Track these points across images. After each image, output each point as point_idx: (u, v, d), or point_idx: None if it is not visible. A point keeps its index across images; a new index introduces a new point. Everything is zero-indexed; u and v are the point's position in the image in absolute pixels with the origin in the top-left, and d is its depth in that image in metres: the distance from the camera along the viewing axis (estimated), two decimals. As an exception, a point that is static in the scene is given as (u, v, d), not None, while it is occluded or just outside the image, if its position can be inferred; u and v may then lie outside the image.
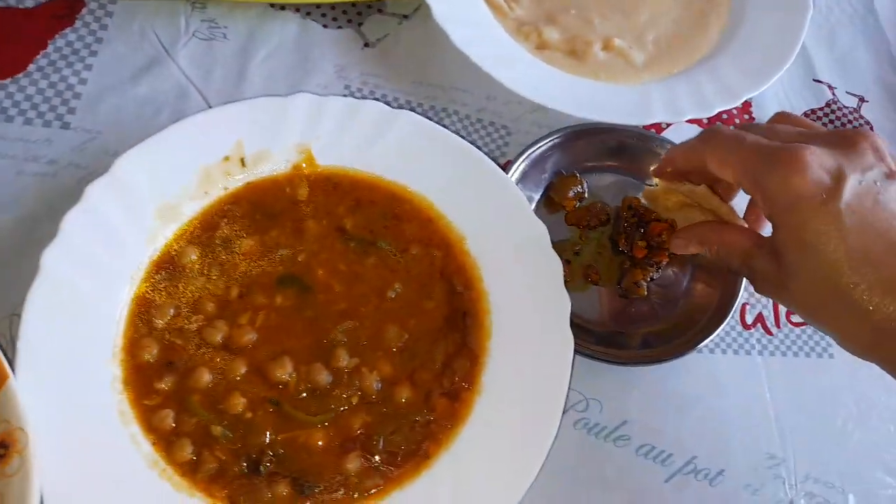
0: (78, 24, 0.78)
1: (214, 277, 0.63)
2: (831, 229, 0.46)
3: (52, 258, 0.58)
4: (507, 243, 0.65)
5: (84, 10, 0.78)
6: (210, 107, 0.75)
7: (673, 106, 0.71)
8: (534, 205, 0.74)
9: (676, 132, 0.76)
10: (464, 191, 0.67)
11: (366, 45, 0.80)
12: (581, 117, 0.71)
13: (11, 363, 0.55)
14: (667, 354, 0.68)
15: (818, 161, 0.47)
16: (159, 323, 0.61)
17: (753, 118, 0.81)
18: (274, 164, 0.68)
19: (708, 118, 0.77)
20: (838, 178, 0.46)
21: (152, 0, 0.79)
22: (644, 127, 0.73)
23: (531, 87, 0.71)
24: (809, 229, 0.47)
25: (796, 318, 0.75)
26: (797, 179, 0.46)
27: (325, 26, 0.81)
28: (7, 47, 0.76)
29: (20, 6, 0.78)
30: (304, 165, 0.68)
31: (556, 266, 0.63)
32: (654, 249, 0.71)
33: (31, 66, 0.75)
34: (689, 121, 0.75)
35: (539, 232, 0.64)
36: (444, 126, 0.76)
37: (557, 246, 0.71)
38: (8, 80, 0.74)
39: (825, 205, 0.46)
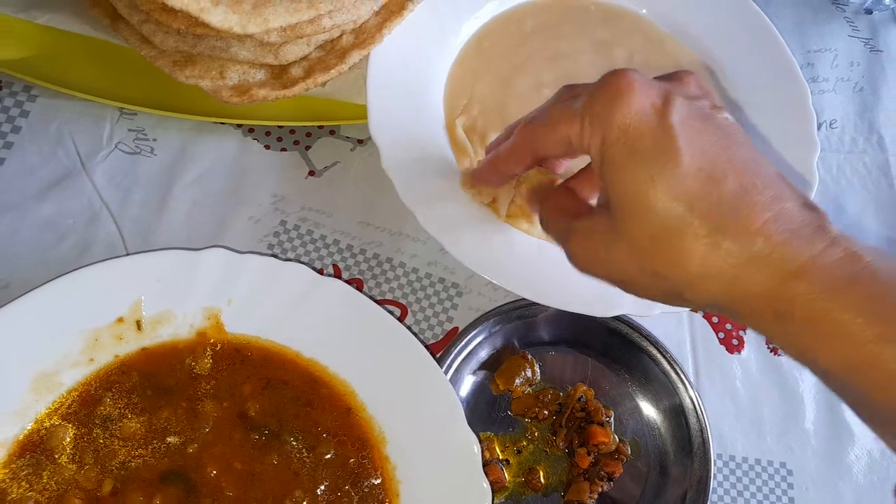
0: (-12, 123, 0.69)
1: (87, 466, 0.54)
2: (668, 146, 0.41)
3: None
4: (431, 454, 0.56)
5: (-3, 107, 0.70)
6: (122, 237, 0.66)
7: (644, 294, 0.62)
8: (478, 385, 0.65)
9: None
10: (390, 381, 0.58)
11: (311, 173, 0.71)
12: (534, 301, 0.62)
13: None
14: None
15: (644, 83, 0.43)
16: (13, 522, 0.52)
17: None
18: (175, 328, 0.59)
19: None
20: (667, 99, 0.42)
21: (77, 99, 0.69)
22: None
23: (483, 258, 0.62)
24: (643, 150, 0.41)
25: None
26: (625, 99, 0.42)
27: (267, 147, 0.72)
28: None
29: (-75, 98, 0.69)
30: (210, 332, 0.59)
31: (482, 490, 0.54)
32: (605, 457, 0.62)
33: (-75, 173, 0.66)
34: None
35: (468, 445, 0.55)
36: (388, 280, 0.68)
37: (499, 440, 0.63)
38: None
39: (659, 120, 0.41)
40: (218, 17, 0.54)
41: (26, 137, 0.69)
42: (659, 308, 0.62)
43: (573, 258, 0.49)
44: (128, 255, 0.59)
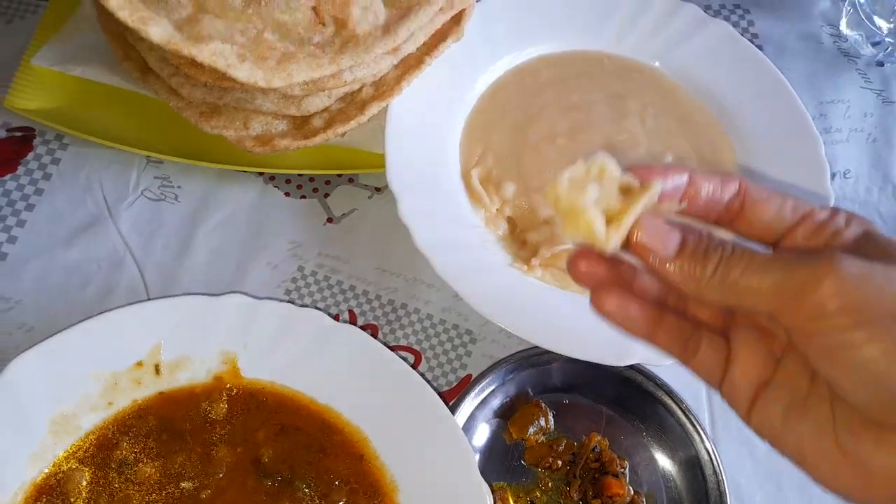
0: (20, 170, 0.72)
1: (101, 510, 0.55)
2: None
3: (-88, 483, 0.51)
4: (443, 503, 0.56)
5: (30, 155, 0.72)
6: (145, 282, 0.68)
7: (658, 344, 0.62)
8: (491, 433, 0.64)
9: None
10: (404, 429, 0.58)
11: (329, 220, 0.73)
12: (546, 348, 0.62)
13: None
14: None
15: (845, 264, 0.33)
16: (25, 567, 0.52)
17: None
18: (192, 372, 0.60)
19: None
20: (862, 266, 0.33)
21: (106, 147, 0.72)
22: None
23: (498, 305, 0.62)
24: (868, 319, 0.32)
25: None
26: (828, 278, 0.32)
27: (287, 194, 0.73)
28: (-61, 192, 0.70)
29: (-37, 146, 0.72)
30: (226, 377, 0.60)
31: (495, 545, 0.53)
32: (620, 510, 0.61)
33: (-40, 217, 0.69)
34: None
35: (481, 498, 0.55)
36: (402, 326, 0.68)
37: (513, 490, 0.63)
38: (-69, 232, 0.68)
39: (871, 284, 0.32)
40: (244, 73, 0.56)
41: (57, 184, 0.71)
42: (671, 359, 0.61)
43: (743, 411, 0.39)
44: (149, 300, 0.60)
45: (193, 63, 0.62)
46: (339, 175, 0.75)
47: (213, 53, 0.56)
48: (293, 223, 0.72)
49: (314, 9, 0.60)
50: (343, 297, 0.69)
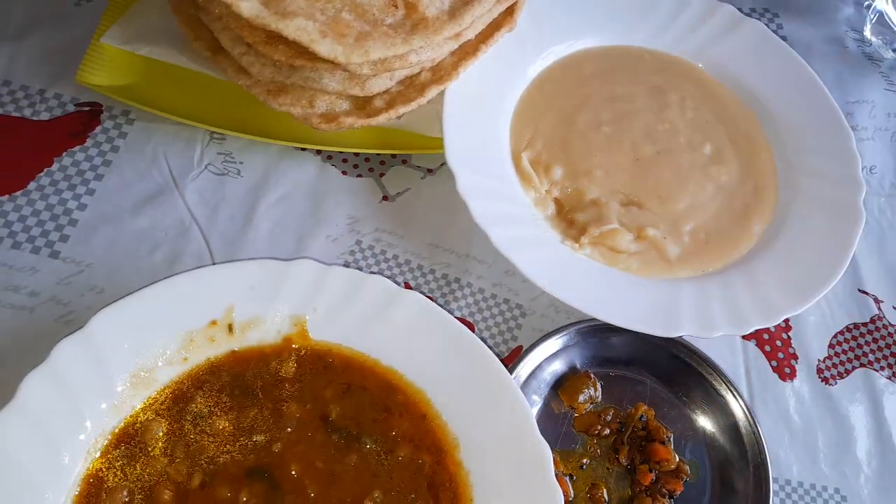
0: (89, 142, 0.75)
1: (178, 460, 0.57)
2: None
3: (4, 425, 0.53)
4: (504, 461, 0.58)
5: (98, 129, 0.75)
6: (210, 250, 0.71)
7: (705, 317, 0.65)
8: (541, 402, 0.67)
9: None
10: (464, 390, 0.61)
11: (384, 198, 0.76)
12: (599, 318, 0.65)
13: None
14: None
15: None
16: (107, 509, 0.55)
17: (790, 328, 0.74)
18: (263, 333, 0.62)
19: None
20: None
21: (171, 123, 0.75)
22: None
23: (551, 278, 0.66)
24: None
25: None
26: None
27: (344, 173, 0.77)
28: (13, 161, 0.73)
29: (34, 118, 0.75)
30: (295, 338, 0.63)
31: (553, 498, 0.56)
32: (666, 475, 0.64)
33: (32, 185, 0.71)
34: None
35: (542, 455, 0.57)
36: (455, 299, 0.71)
37: (562, 455, 0.65)
38: (6, 198, 0.70)
39: None
40: (325, 48, 0.60)
41: (124, 156, 0.74)
42: (720, 330, 0.65)
43: None
44: (225, 262, 0.63)
45: (268, 41, 0.66)
46: (394, 156, 0.78)
47: (298, 29, 0.59)
48: (351, 200, 0.75)
49: (389, -9, 0.63)
50: (399, 270, 0.72)
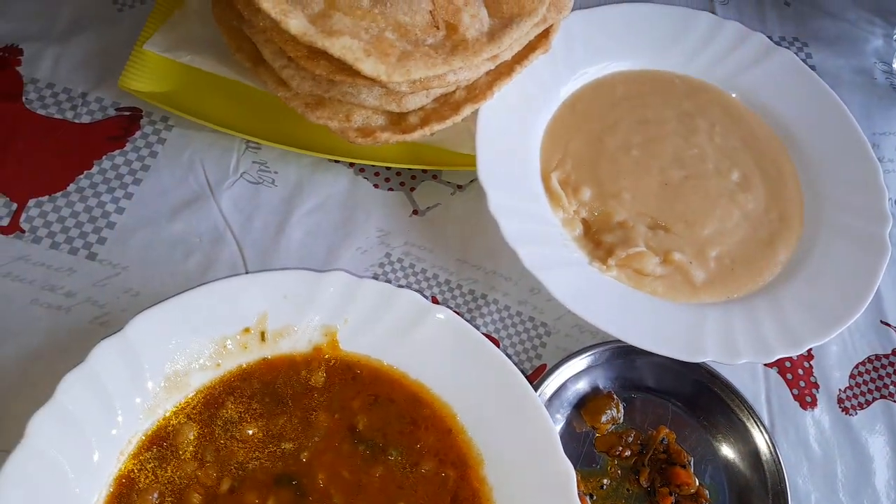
0: (128, 146, 0.76)
1: (208, 463, 0.58)
2: None
3: (41, 424, 0.54)
4: (528, 478, 0.59)
5: (138, 133, 0.77)
6: (243, 257, 0.72)
7: (729, 344, 0.66)
8: (564, 420, 0.68)
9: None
10: (490, 406, 0.62)
11: (414, 212, 0.77)
12: (624, 341, 0.66)
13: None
14: None
15: None
16: (138, 510, 0.56)
17: (812, 357, 0.75)
18: (295, 342, 0.64)
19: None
20: None
21: (208, 131, 0.77)
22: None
23: (577, 298, 0.66)
24: None
25: None
26: None
27: (375, 186, 0.78)
28: (54, 162, 0.74)
29: (76, 121, 0.77)
30: (325, 348, 0.64)
31: (578, 519, 0.57)
32: (686, 499, 0.65)
33: (72, 186, 0.73)
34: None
35: (566, 474, 0.58)
36: (482, 314, 0.72)
37: (583, 474, 0.66)
38: (46, 198, 0.72)
39: None
40: (369, 67, 0.61)
41: (162, 162, 0.76)
42: (744, 357, 0.65)
43: None
44: (259, 271, 0.64)
45: (310, 56, 0.67)
46: (425, 171, 0.80)
47: (343, 47, 0.60)
48: (381, 213, 0.76)
49: (431, 13, 0.65)
50: (427, 284, 0.73)
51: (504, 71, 0.75)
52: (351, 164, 0.79)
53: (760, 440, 0.67)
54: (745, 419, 0.68)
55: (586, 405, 0.68)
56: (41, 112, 0.77)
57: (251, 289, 0.63)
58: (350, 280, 0.64)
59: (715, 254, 0.74)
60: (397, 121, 0.74)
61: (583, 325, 0.73)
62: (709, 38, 0.86)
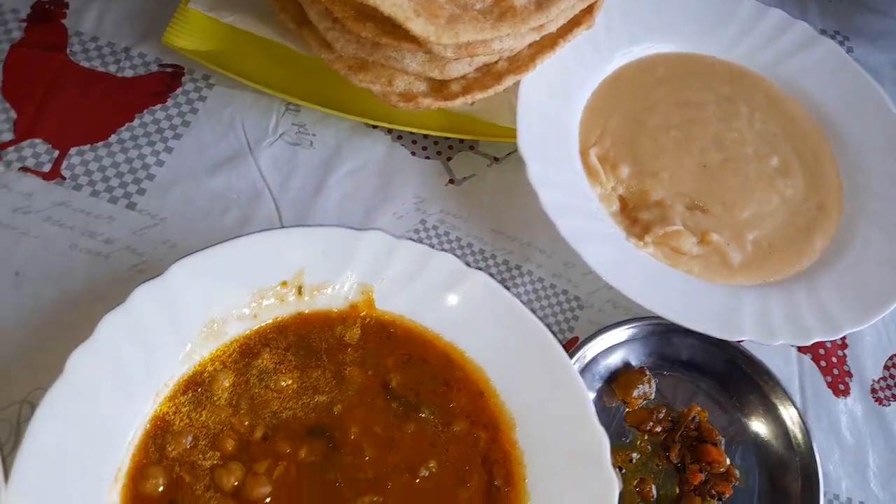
0: (169, 102, 0.77)
1: (242, 411, 0.58)
2: None
3: (80, 360, 0.54)
4: (560, 444, 0.59)
5: (179, 90, 0.77)
6: (280, 216, 0.72)
7: (766, 324, 0.66)
8: (594, 394, 0.68)
9: (763, 347, 0.70)
10: (524, 372, 0.62)
11: (450, 181, 0.77)
12: (661, 315, 0.65)
13: (7, 470, 0.51)
14: None
15: None
16: (172, 451, 0.56)
17: (847, 346, 0.74)
18: (331, 298, 0.64)
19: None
20: None
21: (249, 91, 0.77)
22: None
23: (614, 271, 0.66)
24: None
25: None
26: None
27: (413, 153, 0.78)
28: (96, 113, 0.75)
29: (119, 74, 0.77)
30: (361, 306, 0.64)
31: (610, 486, 0.56)
32: (716, 477, 0.64)
33: (113, 137, 0.73)
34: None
35: (599, 442, 0.58)
36: (515, 285, 0.72)
37: (612, 448, 0.65)
38: (87, 147, 0.73)
39: None
40: (419, 26, 0.61)
41: (202, 119, 0.76)
42: (781, 339, 0.65)
43: None
44: (299, 225, 0.64)
45: (357, 17, 0.67)
46: (462, 141, 0.80)
47: (394, 5, 0.60)
48: (418, 180, 0.76)
49: (481, -24, 0.65)
50: (461, 253, 0.73)
51: (547, 44, 0.75)
52: (389, 131, 0.79)
53: (792, 423, 0.67)
54: (777, 401, 0.68)
55: (618, 379, 0.68)
56: (85, 64, 0.77)
57: (290, 243, 0.63)
58: (388, 240, 0.64)
59: (753, 237, 0.74)
60: (439, 88, 0.73)
61: (616, 301, 0.73)
62: (752, 25, 0.86)
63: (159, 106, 0.76)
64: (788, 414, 0.67)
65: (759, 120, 0.82)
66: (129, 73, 0.77)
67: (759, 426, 0.68)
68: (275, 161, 0.75)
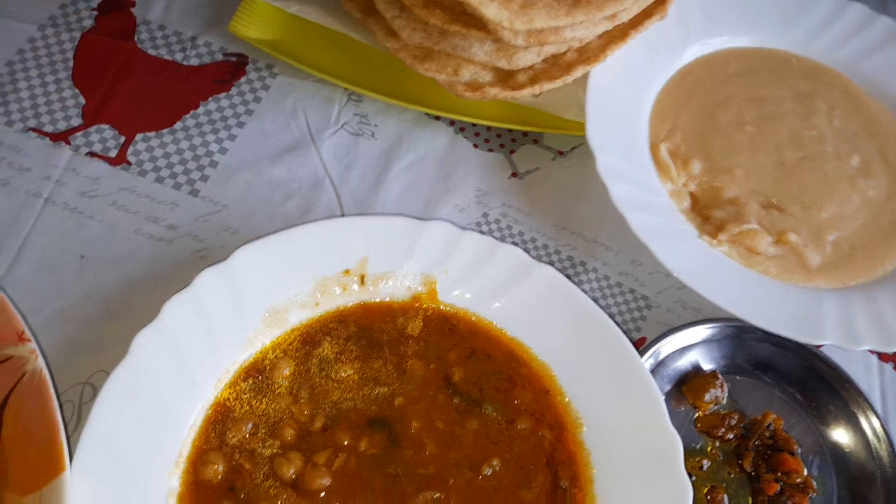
0: (233, 91, 0.76)
1: (302, 400, 0.57)
2: None
3: (144, 343, 0.54)
4: (630, 447, 0.56)
5: (243, 79, 0.77)
6: (341, 205, 0.71)
7: (849, 329, 0.62)
8: (662, 396, 0.65)
9: (842, 354, 0.66)
10: (592, 371, 0.59)
11: (513, 174, 0.75)
12: (737, 316, 0.62)
13: (71, 450, 0.51)
14: None
15: None
16: (232, 438, 0.55)
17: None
18: (393, 288, 0.62)
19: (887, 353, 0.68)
20: None
21: (311, 81, 0.77)
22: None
23: (688, 269, 0.63)
24: None
25: None
26: None
27: (475, 146, 0.76)
28: (162, 100, 0.75)
29: (184, 63, 0.77)
30: (424, 298, 0.62)
31: (685, 491, 0.54)
32: (792, 488, 0.60)
33: (178, 125, 0.74)
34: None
35: (672, 446, 0.55)
36: (580, 282, 0.70)
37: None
38: (153, 134, 0.73)
39: None
40: (493, 11, 0.60)
41: (265, 108, 0.76)
42: (865, 344, 0.61)
43: None
44: (363, 214, 0.63)
45: (426, 4, 0.66)
46: (525, 134, 0.78)
47: (467, -12, 0.59)
48: (480, 172, 0.75)
49: (556, -38, 0.63)
50: (524, 248, 0.71)
51: (618, 35, 0.73)
52: (451, 123, 0.77)
53: (874, 434, 0.63)
54: (857, 411, 0.64)
55: (688, 382, 0.65)
56: (152, 52, 0.78)
57: (353, 231, 0.62)
58: (453, 230, 0.63)
59: (832, 238, 0.70)
60: (506, 78, 0.72)
61: (686, 302, 0.70)
62: (831, 20, 0.82)
63: (223, 94, 0.76)
64: (870, 424, 0.63)
65: (839, 118, 0.78)
66: (194, 62, 0.78)
67: (838, 436, 0.64)
68: (336, 151, 0.74)
